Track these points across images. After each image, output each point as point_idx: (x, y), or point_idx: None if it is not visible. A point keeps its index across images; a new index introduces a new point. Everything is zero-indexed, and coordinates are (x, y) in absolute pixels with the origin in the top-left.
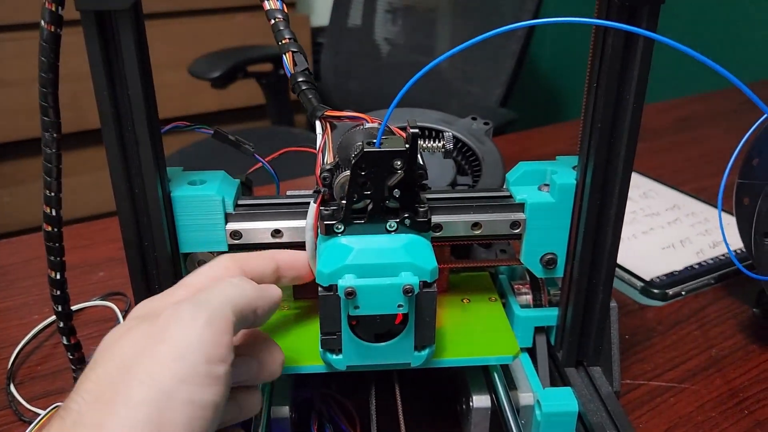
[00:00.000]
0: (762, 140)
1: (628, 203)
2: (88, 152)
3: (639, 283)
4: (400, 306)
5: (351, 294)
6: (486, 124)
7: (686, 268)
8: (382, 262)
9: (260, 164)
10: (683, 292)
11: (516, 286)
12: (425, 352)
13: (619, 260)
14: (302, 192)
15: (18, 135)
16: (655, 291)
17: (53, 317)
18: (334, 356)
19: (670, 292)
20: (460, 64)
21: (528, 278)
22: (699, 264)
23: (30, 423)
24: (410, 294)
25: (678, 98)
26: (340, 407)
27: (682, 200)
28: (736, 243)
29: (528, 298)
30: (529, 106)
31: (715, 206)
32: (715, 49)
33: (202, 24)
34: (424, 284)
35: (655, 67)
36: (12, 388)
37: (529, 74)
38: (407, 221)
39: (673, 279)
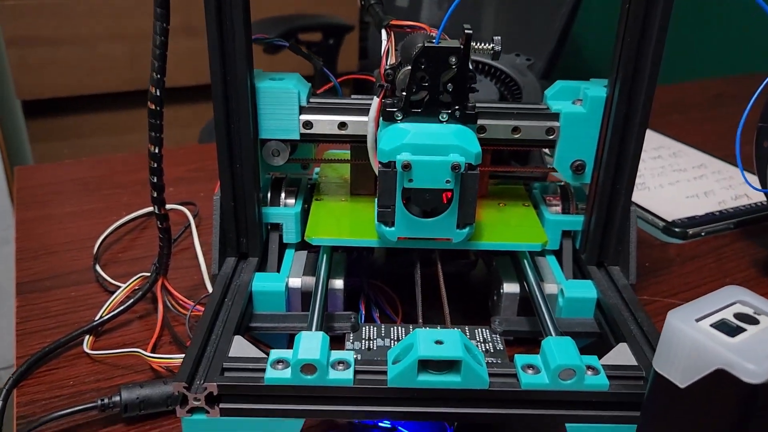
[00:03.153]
0: None
1: (658, 160)
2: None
3: (661, 223)
4: (447, 182)
5: (407, 167)
6: (528, 60)
7: (708, 213)
8: (434, 143)
9: (328, 86)
10: (703, 233)
11: (548, 198)
12: (466, 231)
13: (645, 204)
14: (365, 96)
15: (80, 90)
16: (677, 230)
17: (129, 216)
18: (388, 228)
19: (691, 231)
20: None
21: (559, 192)
22: (720, 211)
23: (112, 293)
24: (457, 170)
25: (716, 78)
26: (384, 296)
27: (709, 161)
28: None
29: (557, 209)
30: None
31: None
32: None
33: None
34: (469, 166)
35: (699, 50)
36: (97, 267)
37: (572, 53)
38: (457, 113)
39: (695, 222)
